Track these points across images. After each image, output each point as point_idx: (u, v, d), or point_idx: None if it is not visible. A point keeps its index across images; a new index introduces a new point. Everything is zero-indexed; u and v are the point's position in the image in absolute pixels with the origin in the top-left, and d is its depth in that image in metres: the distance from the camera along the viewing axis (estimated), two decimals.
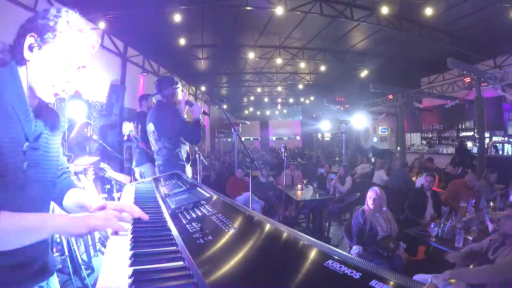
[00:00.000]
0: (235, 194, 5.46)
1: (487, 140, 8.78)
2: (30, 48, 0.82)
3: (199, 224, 0.87)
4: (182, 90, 2.57)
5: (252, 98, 17.55)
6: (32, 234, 0.75)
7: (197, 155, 3.33)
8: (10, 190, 0.78)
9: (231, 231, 0.79)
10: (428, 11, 6.12)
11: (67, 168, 1.08)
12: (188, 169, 2.55)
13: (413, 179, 5.99)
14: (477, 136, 8.30)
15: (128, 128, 7.03)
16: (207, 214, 0.99)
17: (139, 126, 3.59)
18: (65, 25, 0.84)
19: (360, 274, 0.50)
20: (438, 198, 4.00)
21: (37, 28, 0.82)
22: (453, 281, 1.82)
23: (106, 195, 4.09)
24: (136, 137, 3.60)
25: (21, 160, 0.80)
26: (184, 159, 2.49)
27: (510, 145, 9.10)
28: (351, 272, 0.50)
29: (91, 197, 1.04)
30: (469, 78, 8.08)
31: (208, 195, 1.21)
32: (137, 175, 3.56)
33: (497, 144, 9.39)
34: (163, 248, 0.80)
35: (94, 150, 4.45)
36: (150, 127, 2.48)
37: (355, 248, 2.92)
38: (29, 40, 0.82)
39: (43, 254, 0.92)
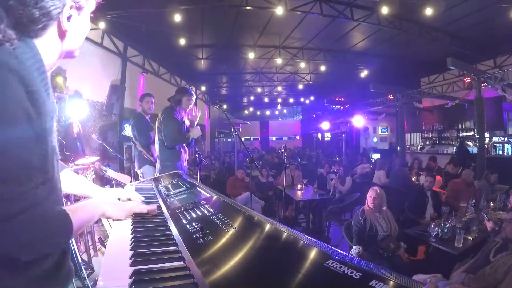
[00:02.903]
0: (235, 194, 5.45)
1: (487, 140, 8.76)
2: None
3: (199, 224, 0.87)
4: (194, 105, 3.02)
5: (252, 98, 17.52)
6: (86, 223, 0.85)
7: (197, 155, 3.33)
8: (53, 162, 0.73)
9: (231, 231, 0.79)
10: (428, 11, 6.11)
11: None
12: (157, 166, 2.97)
13: (412, 179, 5.99)
14: (477, 136, 8.29)
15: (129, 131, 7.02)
16: (207, 214, 0.99)
17: (134, 125, 3.60)
18: None
19: (360, 274, 0.50)
20: (438, 198, 3.99)
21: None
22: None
23: None
24: (134, 141, 3.58)
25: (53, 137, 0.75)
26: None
27: (510, 145, 9.09)
28: (351, 272, 0.50)
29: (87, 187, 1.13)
30: (469, 78, 8.07)
31: (208, 195, 1.21)
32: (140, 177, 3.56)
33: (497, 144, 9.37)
34: (163, 248, 0.80)
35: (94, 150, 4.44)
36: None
37: (355, 248, 2.91)
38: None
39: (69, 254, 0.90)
